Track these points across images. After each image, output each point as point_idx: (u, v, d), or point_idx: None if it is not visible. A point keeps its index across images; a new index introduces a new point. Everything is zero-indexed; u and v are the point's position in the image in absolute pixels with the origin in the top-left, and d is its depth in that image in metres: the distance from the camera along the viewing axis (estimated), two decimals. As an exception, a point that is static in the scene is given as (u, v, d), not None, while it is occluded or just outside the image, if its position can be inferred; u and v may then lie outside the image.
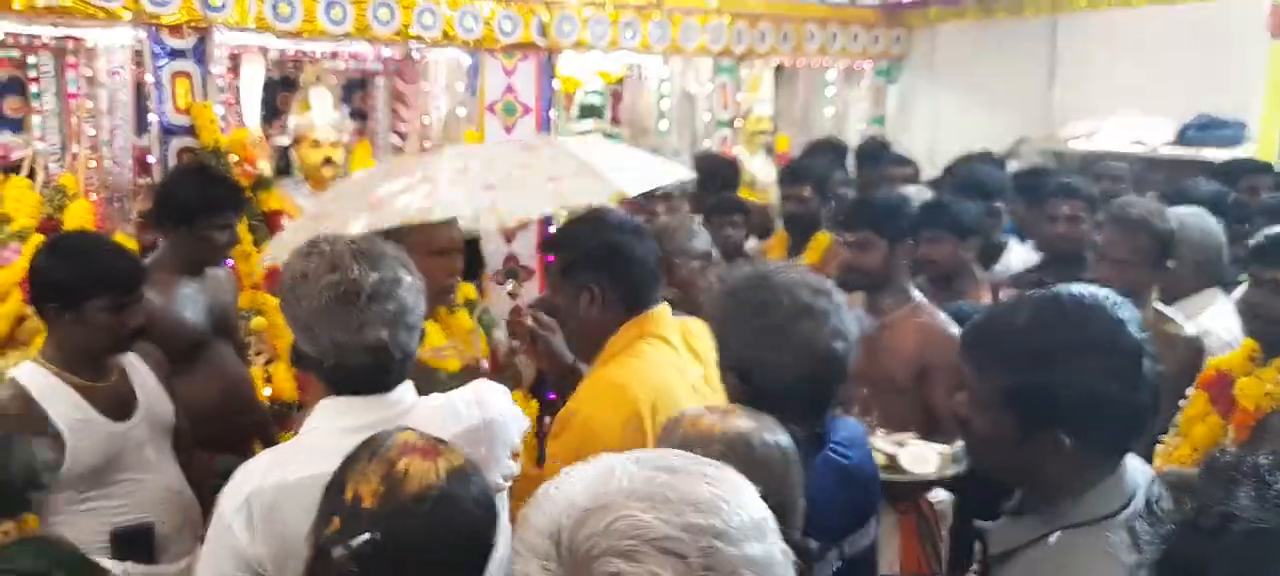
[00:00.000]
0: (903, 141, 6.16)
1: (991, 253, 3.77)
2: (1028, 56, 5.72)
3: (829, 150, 5.22)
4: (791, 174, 4.21)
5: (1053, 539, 1.39)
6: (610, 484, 0.81)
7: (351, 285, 1.59)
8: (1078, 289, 1.46)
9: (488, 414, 1.70)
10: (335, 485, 1.32)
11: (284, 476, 1.56)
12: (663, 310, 2.15)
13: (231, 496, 1.57)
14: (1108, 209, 2.89)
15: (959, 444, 2.38)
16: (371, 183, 2.92)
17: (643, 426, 1.91)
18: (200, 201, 3.02)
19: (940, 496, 2.50)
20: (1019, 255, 3.80)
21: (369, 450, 1.32)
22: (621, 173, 2.93)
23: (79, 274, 2.29)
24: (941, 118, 6.12)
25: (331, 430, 1.62)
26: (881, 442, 2.47)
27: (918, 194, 3.96)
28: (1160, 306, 2.81)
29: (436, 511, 1.26)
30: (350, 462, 1.32)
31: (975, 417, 1.48)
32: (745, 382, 1.68)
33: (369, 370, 1.63)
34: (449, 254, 2.64)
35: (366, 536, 1.24)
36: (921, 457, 2.41)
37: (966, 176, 4.23)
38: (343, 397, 1.65)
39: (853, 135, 5.98)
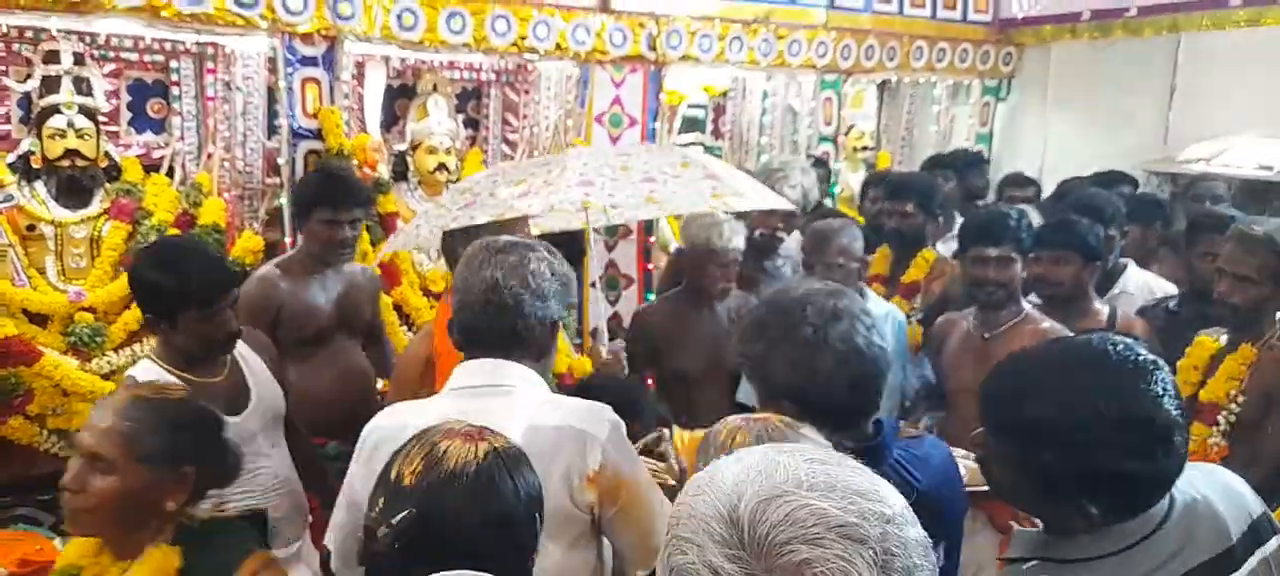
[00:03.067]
0: (1011, 161, 6.05)
1: (1107, 278, 3.67)
2: (1146, 77, 5.54)
3: (943, 167, 5.15)
4: (895, 189, 4.17)
5: (1027, 568, 1.39)
6: (779, 474, 0.83)
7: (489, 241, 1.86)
8: (1108, 347, 1.39)
9: (580, 425, 1.72)
10: (385, 471, 1.36)
11: (392, 421, 1.75)
12: None
13: (362, 435, 1.78)
14: (1232, 227, 2.81)
15: None
16: (490, 183, 3.00)
17: None
18: (319, 196, 3.22)
19: None
20: (1136, 281, 3.69)
21: (418, 438, 1.37)
22: (729, 183, 2.96)
23: (168, 287, 2.35)
24: (1051, 138, 5.98)
25: (446, 391, 1.80)
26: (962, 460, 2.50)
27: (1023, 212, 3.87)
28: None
29: (474, 488, 1.29)
30: (400, 450, 1.38)
31: (995, 467, 1.48)
32: (800, 404, 1.65)
33: (486, 320, 1.77)
34: None
35: (405, 512, 1.28)
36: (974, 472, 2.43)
37: (1080, 199, 4.13)
38: (465, 363, 1.81)
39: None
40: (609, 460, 1.70)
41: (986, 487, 2.27)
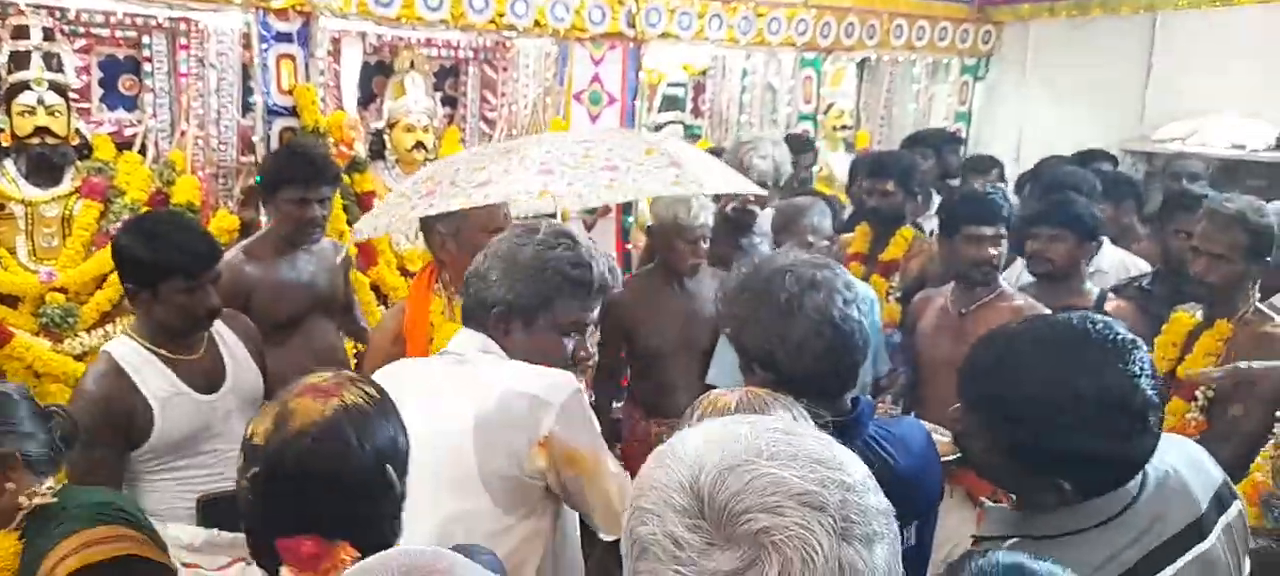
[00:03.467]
0: (988, 139, 6.07)
1: None
2: (1123, 55, 5.58)
3: (922, 145, 5.17)
4: (875, 167, 4.17)
5: (1007, 544, 1.39)
6: (738, 444, 0.83)
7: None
8: (1088, 326, 1.39)
9: (536, 392, 1.72)
10: (246, 429, 1.40)
11: (387, 381, 1.73)
12: None
13: None
14: (1204, 204, 2.84)
15: None
16: (451, 170, 2.97)
17: None
18: (289, 174, 3.15)
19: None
20: (1111, 259, 3.72)
21: (279, 395, 1.40)
22: (692, 171, 2.91)
23: (153, 256, 2.32)
24: (1029, 116, 6.01)
25: (439, 353, 1.91)
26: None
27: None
28: (1261, 304, 2.75)
29: (316, 447, 1.31)
30: (264, 408, 1.41)
31: (970, 442, 1.49)
32: (769, 370, 1.66)
33: (471, 298, 1.85)
34: (501, 232, 2.66)
35: (254, 469, 1.33)
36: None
37: (1057, 176, 4.15)
38: (459, 332, 1.90)
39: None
40: (560, 426, 1.70)
41: (959, 456, 2.32)
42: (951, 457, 2.37)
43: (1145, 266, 3.67)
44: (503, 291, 1.82)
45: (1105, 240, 3.81)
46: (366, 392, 1.39)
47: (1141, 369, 1.35)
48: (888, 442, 1.73)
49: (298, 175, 3.14)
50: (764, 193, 3.56)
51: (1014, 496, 1.53)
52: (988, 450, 1.45)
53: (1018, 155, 5.76)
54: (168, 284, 2.32)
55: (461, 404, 1.72)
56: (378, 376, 1.82)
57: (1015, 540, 1.39)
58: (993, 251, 2.96)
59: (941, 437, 2.45)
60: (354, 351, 3.68)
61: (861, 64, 6.09)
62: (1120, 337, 1.38)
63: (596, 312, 1.91)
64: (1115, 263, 3.72)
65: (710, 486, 0.80)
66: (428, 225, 2.56)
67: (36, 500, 1.70)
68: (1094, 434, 1.32)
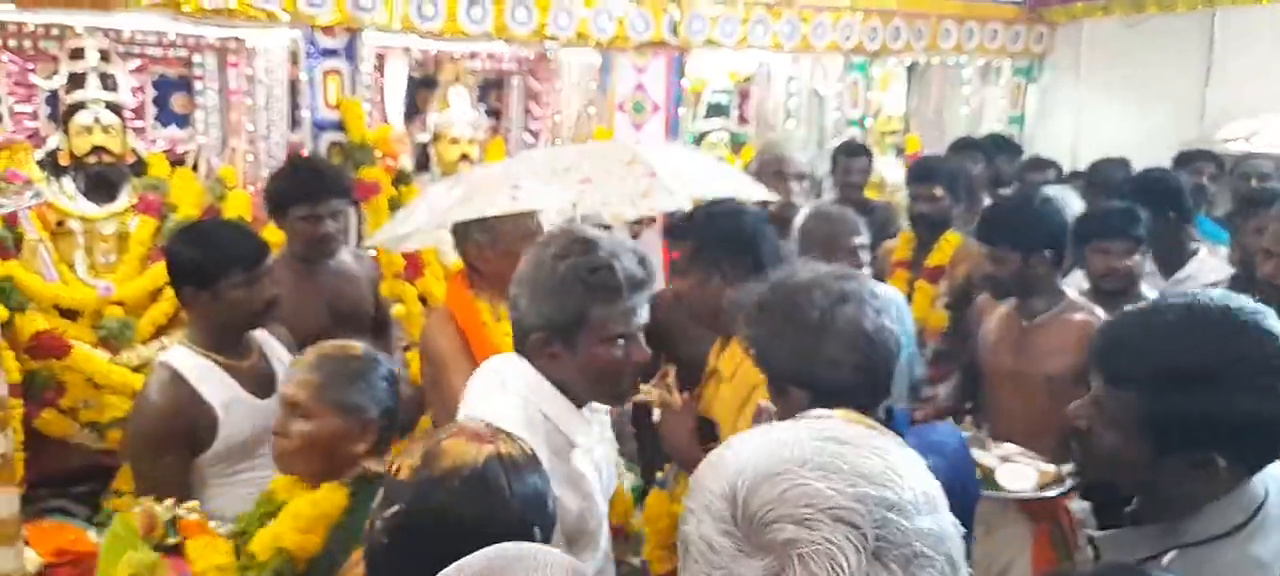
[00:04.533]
0: (1042, 143, 5.94)
1: (1174, 261, 3.58)
2: (1181, 53, 5.42)
3: (973, 150, 5.07)
4: (922, 172, 4.11)
5: (1167, 559, 1.33)
6: (784, 452, 0.82)
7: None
8: (1219, 296, 1.36)
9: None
10: (390, 464, 1.36)
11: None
12: None
13: None
14: (1276, 206, 2.74)
15: (1066, 466, 2.33)
16: (430, 193, 2.97)
17: None
18: (296, 191, 3.04)
19: (1081, 504, 2.43)
20: (1213, 268, 3.53)
21: (429, 433, 1.40)
22: (661, 184, 2.80)
23: (208, 254, 2.39)
24: (1085, 118, 5.87)
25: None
26: (983, 455, 2.46)
27: (1061, 195, 3.78)
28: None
29: (465, 490, 1.24)
30: (410, 443, 1.37)
31: (1102, 433, 1.40)
32: (805, 388, 1.62)
33: (514, 326, 1.82)
34: (535, 238, 2.59)
35: (395, 508, 1.26)
36: (1020, 474, 2.39)
37: (1105, 181, 4.06)
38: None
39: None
40: None
41: (1050, 495, 2.25)
42: (1054, 491, 2.32)
43: (1225, 272, 3.51)
44: (534, 316, 1.74)
45: (1203, 247, 3.67)
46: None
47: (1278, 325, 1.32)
48: (924, 453, 1.69)
49: (305, 192, 3.04)
50: (773, 198, 3.43)
51: (1134, 504, 1.46)
52: (1122, 435, 1.37)
53: (1074, 159, 5.63)
54: (225, 281, 2.38)
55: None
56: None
57: (1173, 554, 1.33)
58: (1121, 263, 2.94)
59: (1035, 466, 2.39)
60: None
61: (910, 68, 6.01)
62: (1262, 310, 1.34)
63: (644, 311, 1.79)
64: (1214, 269, 3.55)
65: (745, 493, 0.80)
66: (463, 234, 2.58)
67: (374, 466, 1.83)
68: (1260, 394, 1.27)
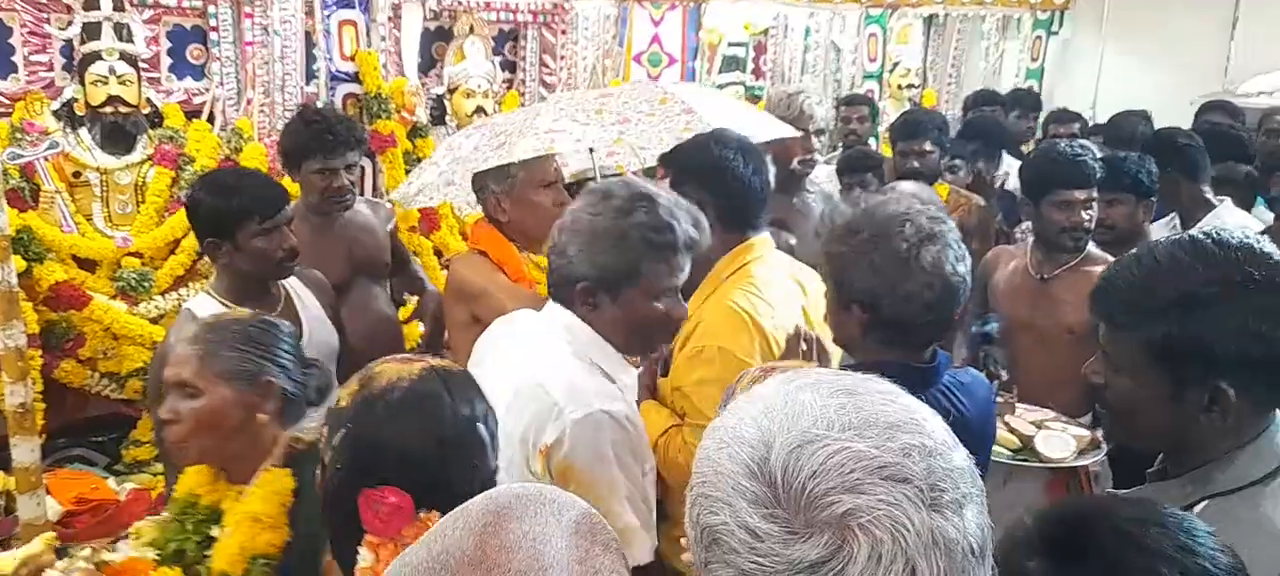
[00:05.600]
0: (1062, 96, 5.88)
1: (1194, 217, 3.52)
2: (1206, 6, 5.34)
3: (993, 104, 5.02)
4: (910, 129, 4.03)
5: (1199, 508, 1.31)
6: (805, 417, 0.76)
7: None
8: (1213, 229, 1.36)
9: (557, 396, 1.63)
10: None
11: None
12: (767, 238, 2.18)
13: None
14: None
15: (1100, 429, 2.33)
16: (475, 140, 2.92)
17: (773, 352, 1.96)
18: (307, 146, 2.99)
19: (1097, 459, 2.43)
20: (1233, 221, 3.44)
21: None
22: (700, 121, 2.77)
23: (227, 204, 2.40)
24: (1106, 72, 5.80)
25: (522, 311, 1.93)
26: (1018, 423, 2.46)
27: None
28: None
29: (403, 404, 1.25)
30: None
31: (1114, 382, 1.40)
32: (872, 313, 1.65)
33: (555, 275, 1.78)
34: (554, 185, 2.55)
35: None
36: (1058, 442, 2.38)
37: (1127, 134, 4.01)
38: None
39: (1007, 89, 5.74)
40: (566, 444, 1.61)
41: (1088, 463, 2.25)
42: (1092, 456, 2.32)
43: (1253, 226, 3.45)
44: (584, 266, 1.71)
45: (1227, 201, 3.61)
46: (454, 366, 1.35)
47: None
48: (958, 392, 1.72)
49: (318, 146, 2.98)
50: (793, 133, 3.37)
51: (1159, 463, 1.45)
52: (1136, 381, 1.36)
53: (1094, 113, 5.56)
54: (244, 229, 2.39)
55: (513, 373, 1.70)
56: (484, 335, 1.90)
57: (1205, 503, 1.32)
58: (1085, 216, 2.76)
59: (1071, 432, 2.38)
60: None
61: (928, 20, 5.93)
62: (1253, 234, 1.34)
63: (687, 270, 1.79)
64: (1238, 225, 3.50)
65: (783, 469, 0.74)
66: (482, 185, 2.55)
67: (306, 437, 1.68)
68: (1258, 314, 1.26)
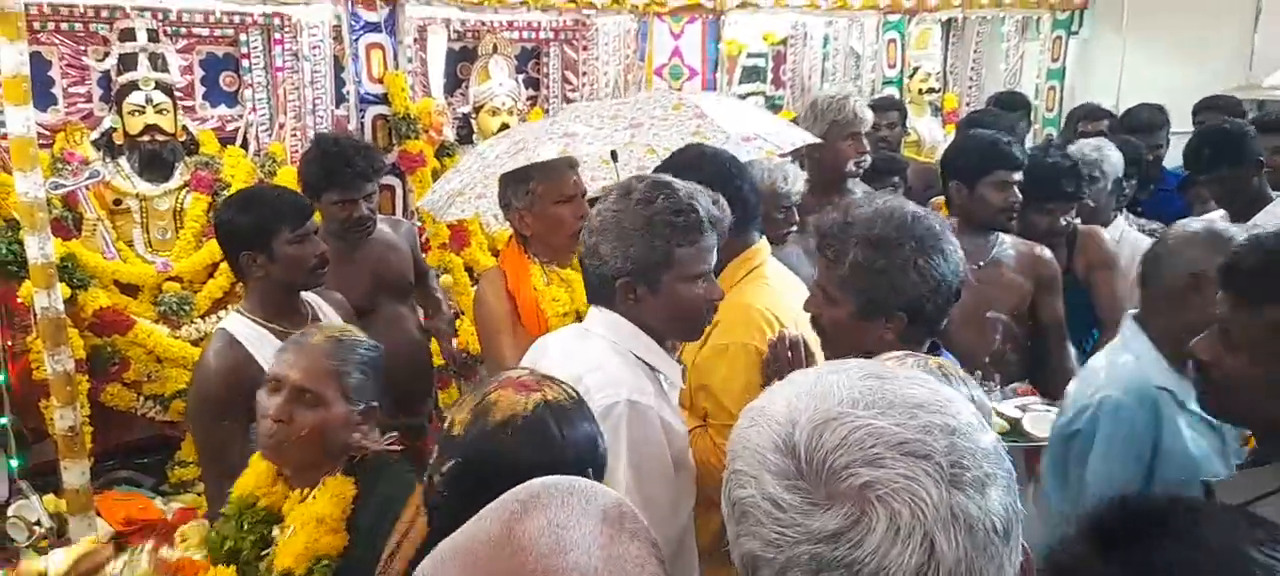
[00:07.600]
0: (1083, 96, 5.86)
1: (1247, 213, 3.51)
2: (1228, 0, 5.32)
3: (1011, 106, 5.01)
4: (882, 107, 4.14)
5: None
6: (832, 397, 0.80)
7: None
8: None
9: (586, 383, 1.65)
10: (445, 421, 1.38)
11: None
12: (765, 243, 2.29)
13: None
14: None
15: None
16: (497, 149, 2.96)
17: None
18: (325, 178, 2.99)
19: None
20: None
21: (475, 387, 1.38)
22: (711, 126, 2.83)
23: (255, 218, 2.44)
24: (1127, 70, 5.78)
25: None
26: (1004, 406, 2.57)
27: (1099, 145, 3.69)
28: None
29: (521, 439, 1.27)
30: (457, 400, 1.39)
31: (1227, 360, 1.40)
32: (914, 316, 1.71)
33: (592, 277, 1.83)
34: (574, 199, 2.57)
35: (452, 462, 1.28)
36: (1044, 420, 2.43)
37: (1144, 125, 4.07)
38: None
39: (1028, 92, 5.74)
40: None
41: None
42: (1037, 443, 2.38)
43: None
44: (619, 261, 1.76)
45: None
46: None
47: None
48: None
49: (337, 180, 2.99)
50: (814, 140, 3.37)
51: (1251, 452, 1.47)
52: (1250, 362, 1.38)
53: (1117, 113, 5.54)
54: (278, 238, 2.43)
55: (556, 371, 1.74)
56: (532, 348, 1.92)
57: None
58: (1016, 197, 2.90)
59: (1053, 411, 2.42)
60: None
61: (947, 24, 5.95)
62: None
63: (715, 251, 1.84)
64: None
65: (806, 443, 0.77)
66: (506, 202, 2.61)
67: (374, 447, 1.79)
68: None
